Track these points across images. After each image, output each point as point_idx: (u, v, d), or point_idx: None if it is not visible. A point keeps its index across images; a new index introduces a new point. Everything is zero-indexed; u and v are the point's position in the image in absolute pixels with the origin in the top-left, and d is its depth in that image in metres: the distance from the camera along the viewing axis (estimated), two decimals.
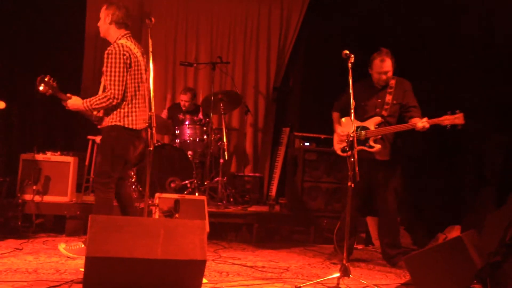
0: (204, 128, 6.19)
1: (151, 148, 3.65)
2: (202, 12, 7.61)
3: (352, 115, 3.84)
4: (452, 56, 5.76)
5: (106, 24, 4.14)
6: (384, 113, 4.57)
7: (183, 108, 6.74)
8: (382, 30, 6.46)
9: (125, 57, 3.98)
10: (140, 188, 5.61)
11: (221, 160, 6.08)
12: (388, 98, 4.58)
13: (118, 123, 3.99)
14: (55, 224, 5.31)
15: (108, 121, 4.02)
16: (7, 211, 4.88)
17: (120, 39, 4.09)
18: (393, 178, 4.58)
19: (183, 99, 6.72)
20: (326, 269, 4.38)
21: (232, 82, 7.18)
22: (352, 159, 3.71)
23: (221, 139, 6.14)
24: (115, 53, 3.96)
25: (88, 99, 3.97)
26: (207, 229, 4.63)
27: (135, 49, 4.09)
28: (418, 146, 5.43)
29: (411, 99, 4.56)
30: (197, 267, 3.21)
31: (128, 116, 4.02)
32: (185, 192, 5.56)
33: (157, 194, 4.93)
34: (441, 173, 5.84)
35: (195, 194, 5.56)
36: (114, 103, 3.95)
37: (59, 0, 6.71)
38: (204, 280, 3.49)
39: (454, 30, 5.80)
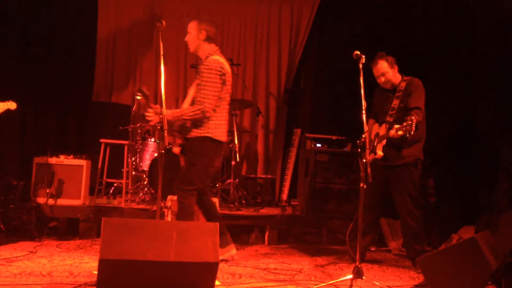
0: None
1: (163, 151, 3.67)
2: (213, 14, 7.59)
3: (364, 116, 3.82)
4: (467, 57, 5.72)
5: (199, 40, 4.28)
6: (390, 119, 4.50)
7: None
8: (393, 30, 6.44)
9: (221, 74, 4.14)
10: (153, 191, 5.63)
11: (233, 162, 6.08)
12: (395, 102, 4.52)
13: (208, 135, 4.13)
14: (69, 227, 5.35)
15: (198, 132, 4.15)
16: (21, 214, 4.92)
17: (213, 54, 4.23)
18: (407, 182, 4.50)
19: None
20: (339, 270, 4.37)
21: (243, 84, 7.19)
22: (364, 160, 3.70)
23: (232, 141, 6.15)
24: (214, 70, 4.13)
25: (179, 110, 4.15)
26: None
27: (227, 65, 4.25)
28: (432, 146, 5.38)
29: (414, 100, 4.43)
30: (210, 269, 3.22)
31: (217, 128, 4.19)
32: None
33: (169, 197, 4.95)
34: (455, 173, 5.79)
35: None
36: (205, 117, 4.09)
37: (72, 4, 6.77)
38: (217, 282, 3.49)
39: (467, 33, 5.76)
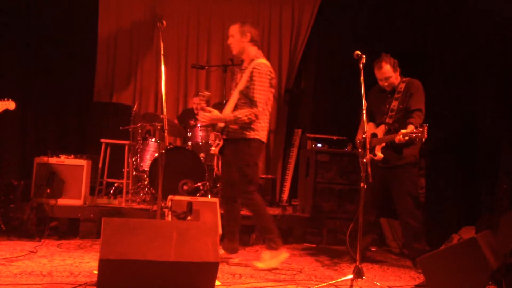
0: None
1: (163, 151, 3.68)
2: (214, 14, 7.63)
3: (364, 116, 3.82)
4: (468, 58, 5.71)
5: (244, 42, 4.32)
6: (389, 120, 4.50)
7: (196, 112, 6.74)
8: (394, 29, 6.44)
9: (269, 77, 4.23)
10: (153, 191, 5.63)
11: None
12: (394, 104, 4.51)
13: (257, 137, 4.25)
14: (69, 227, 5.35)
15: (248, 134, 4.23)
16: (22, 214, 4.92)
17: (259, 58, 4.30)
18: (407, 182, 4.51)
19: (196, 102, 6.73)
20: (340, 270, 4.37)
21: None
22: (365, 160, 3.70)
23: None
24: (264, 73, 4.20)
25: (231, 114, 4.20)
26: (220, 231, 4.63)
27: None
28: (431, 146, 5.38)
29: (414, 102, 4.43)
30: (210, 269, 3.22)
31: (263, 130, 4.30)
32: (197, 195, 5.57)
33: (169, 197, 4.94)
34: (455, 173, 5.79)
35: (207, 197, 5.56)
36: (254, 120, 4.19)
37: (72, 4, 6.78)
38: (217, 282, 3.49)
39: (467, 33, 5.75)
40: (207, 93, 4.31)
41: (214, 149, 4.48)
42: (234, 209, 4.53)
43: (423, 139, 3.99)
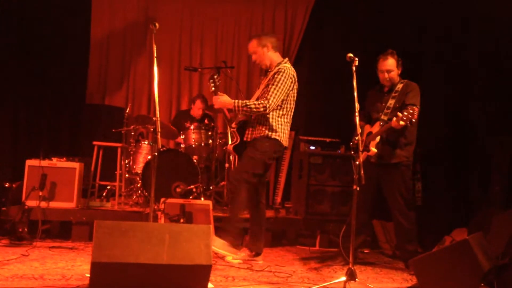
0: (209, 133, 6.19)
1: (156, 153, 3.67)
2: (207, 16, 7.63)
3: (357, 118, 3.84)
4: (462, 61, 5.74)
5: (267, 53, 4.46)
6: (384, 117, 4.54)
7: (198, 117, 6.72)
8: (387, 31, 6.45)
9: (291, 81, 4.34)
10: (146, 193, 5.62)
11: (227, 165, 6.07)
12: (390, 102, 4.56)
13: (278, 138, 4.35)
14: (61, 230, 5.33)
15: (269, 134, 4.34)
16: (14, 217, 4.89)
17: (285, 62, 4.44)
18: (399, 182, 4.54)
19: (199, 107, 6.71)
20: (333, 273, 4.37)
21: (237, 87, 7.19)
22: (357, 162, 3.71)
23: (226, 143, 6.14)
24: (287, 74, 4.32)
25: (241, 100, 4.32)
26: (213, 234, 4.62)
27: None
28: (424, 148, 5.40)
29: (409, 98, 4.47)
30: (203, 272, 3.21)
31: (284, 133, 4.41)
32: (190, 197, 5.56)
33: (162, 199, 4.93)
34: (447, 175, 5.81)
35: (200, 199, 5.55)
36: (264, 113, 4.28)
37: (64, 6, 6.75)
38: (210, 285, 3.48)
39: (461, 33, 5.78)
40: (216, 76, 4.41)
41: (229, 146, 4.59)
42: (258, 211, 4.56)
43: (413, 119, 4.09)
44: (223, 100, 4.36)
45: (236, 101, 4.32)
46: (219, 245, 4.25)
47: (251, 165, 4.35)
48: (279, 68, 4.34)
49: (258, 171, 4.38)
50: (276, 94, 4.27)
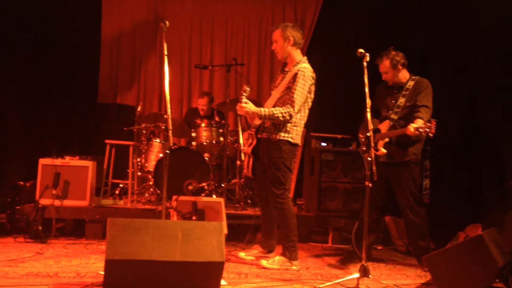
0: (221, 130, 6.19)
1: (167, 151, 3.68)
2: (217, 14, 7.63)
3: (368, 114, 3.82)
4: (472, 53, 5.69)
5: (287, 47, 4.35)
6: (394, 116, 4.51)
7: (202, 113, 6.74)
8: (397, 27, 6.41)
9: (311, 82, 4.28)
10: (158, 191, 5.64)
11: (238, 162, 6.07)
12: (401, 100, 4.51)
13: (290, 139, 4.29)
14: (75, 228, 5.37)
15: (281, 136, 4.28)
16: (28, 215, 4.94)
17: (304, 62, 4.34)
18: (408, 179, 4.52)
19: (201, 103, 6.73)
20: (346, 269, 4.36)
21: (248, 84, 7.17)
22: (369, 159, 3.69)
23: (237, 141, 6.14)
24: (307, 77, 4.24)
25: (267, 109, 4.25)
26: (225, 230, 4.62)
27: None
28: (436, 144, 5.36)
29: (422, 99, 4.42)
30: (215, 269, 3.22)
31: (298, 134, 4.36)
32: (202, 195, 5.57)
33: (174, 197, 4.95)
34: (461, 171, 5.77)
35: (212, 196, 5.56)
36: (288, 120, 4.22)
37: (76, 5, 6.79)
38: (223, 282, 3.49)
39: (470, 30, 5.72)
40: (248, 88, 4.36)
41: (246, 148, 4.52)
42: (270, 209, 4.53)
43: (431, 134, 4.01)
44: (248, 108, 4.26)
45: (263, 109, 4.24)
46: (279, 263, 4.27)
47: (280, 176, 4.28)
48: (300, 70, 4.24)
49: (287, 179, 4.35)
50: (297, 100, 4.20)
